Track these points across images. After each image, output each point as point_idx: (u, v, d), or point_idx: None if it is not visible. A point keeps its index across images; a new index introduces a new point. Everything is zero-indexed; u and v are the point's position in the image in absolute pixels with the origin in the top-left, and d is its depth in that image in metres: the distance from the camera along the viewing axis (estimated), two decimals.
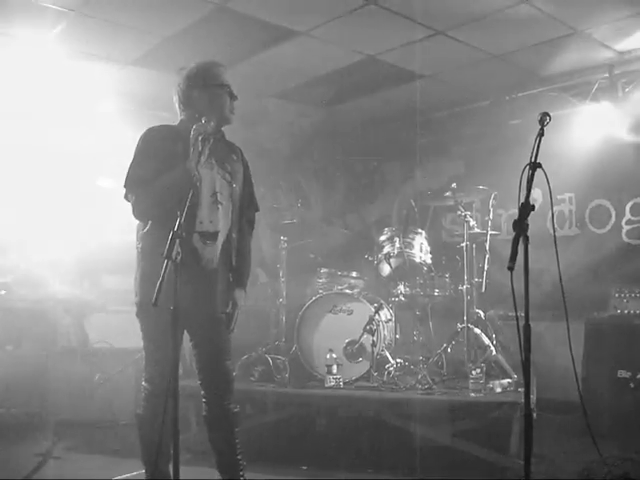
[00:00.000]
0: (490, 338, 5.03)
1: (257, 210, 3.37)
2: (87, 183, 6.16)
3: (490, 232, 5.32)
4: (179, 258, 2.39)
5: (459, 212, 5.28)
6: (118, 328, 5.60)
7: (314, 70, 5.80)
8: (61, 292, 5.94)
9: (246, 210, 3.25)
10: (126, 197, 3.01)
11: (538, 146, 2.48)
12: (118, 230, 4.86)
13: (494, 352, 4.91)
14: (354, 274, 5.53)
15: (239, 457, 3.07)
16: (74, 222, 5.98)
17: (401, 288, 5.28)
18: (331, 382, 4.73)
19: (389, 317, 5.33)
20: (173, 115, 3.23)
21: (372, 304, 4.99)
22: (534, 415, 2.96)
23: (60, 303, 5.94)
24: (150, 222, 2.96)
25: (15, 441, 5.00)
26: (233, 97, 3.13)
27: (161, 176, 2.84)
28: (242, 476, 3.07)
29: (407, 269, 5.28)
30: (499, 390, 4.45)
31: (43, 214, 5.90)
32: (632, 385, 4.88)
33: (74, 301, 6.01)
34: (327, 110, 6.80)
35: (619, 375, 4.95)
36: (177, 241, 2.37)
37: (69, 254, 5.96)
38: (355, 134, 7.28)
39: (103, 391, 5.36)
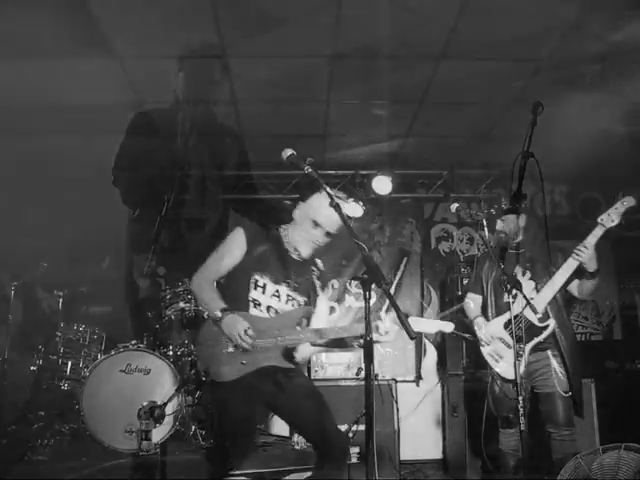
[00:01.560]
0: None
1: (257, 194, 3.30)
2: (81, 170, 6.09)
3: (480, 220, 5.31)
4: (167, 244, 2.37)
5: (450, 202, 5.29)
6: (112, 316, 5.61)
7: (309, 57, 5.73)
8: (51, 278, 5.86)
9: (243, 195, 3.17)
10: (114, 183, 2.98)
11: (531, 135, 2.46)
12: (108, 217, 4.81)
13: None
14: None
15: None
16: (64, 209, 5.92)
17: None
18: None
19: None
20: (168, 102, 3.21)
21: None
22: (520, 401, 2.97)
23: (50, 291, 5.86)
24: (139, 208, 2.93)
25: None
26: (224, 80, 3.08)
27: (148, 162, 2.82)
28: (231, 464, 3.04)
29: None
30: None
31: (32, 201, 5.85)
32: (619, 375, 4.91)
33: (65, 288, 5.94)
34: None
35: (607, 366, 4.98)
36: (165, 226, 2.35)
37: (60, 240, 5.90)
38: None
39: None
